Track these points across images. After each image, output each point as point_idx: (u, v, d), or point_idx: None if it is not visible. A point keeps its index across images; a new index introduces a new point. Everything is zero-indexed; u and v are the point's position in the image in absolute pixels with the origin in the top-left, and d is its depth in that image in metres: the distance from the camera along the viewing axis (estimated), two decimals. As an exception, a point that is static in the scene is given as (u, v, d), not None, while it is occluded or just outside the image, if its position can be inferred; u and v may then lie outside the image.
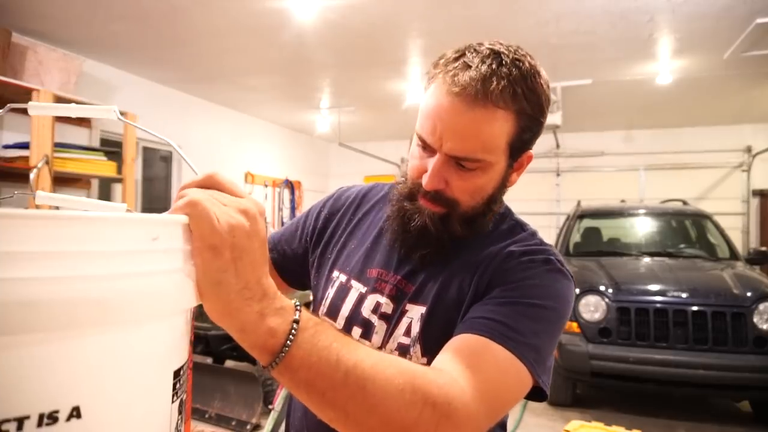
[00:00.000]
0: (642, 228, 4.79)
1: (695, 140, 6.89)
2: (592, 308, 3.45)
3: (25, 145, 3.10)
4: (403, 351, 0.76)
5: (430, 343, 0.73)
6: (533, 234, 0.81)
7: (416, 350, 0.75)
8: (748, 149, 6.74)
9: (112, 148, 3.52)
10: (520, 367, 0.63)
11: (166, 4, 3.19)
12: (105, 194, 4.08)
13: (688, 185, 6.83)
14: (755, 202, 6.87)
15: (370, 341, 0.79)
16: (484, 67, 0.67)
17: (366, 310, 0.80)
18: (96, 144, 4.02)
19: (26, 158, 3.07)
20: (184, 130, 5.29)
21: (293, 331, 0.47)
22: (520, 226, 0.82)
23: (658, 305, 3.33)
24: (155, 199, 5.03)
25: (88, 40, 3.78)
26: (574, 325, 3.46)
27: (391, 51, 4.09)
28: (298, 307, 0.49)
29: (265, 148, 6.94)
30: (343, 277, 0.85)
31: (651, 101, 5.53)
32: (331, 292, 0.85)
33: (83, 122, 3.87)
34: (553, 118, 4.93)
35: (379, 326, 0.79)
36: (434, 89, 0.72)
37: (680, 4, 3.15)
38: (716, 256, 4.23)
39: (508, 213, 0.85)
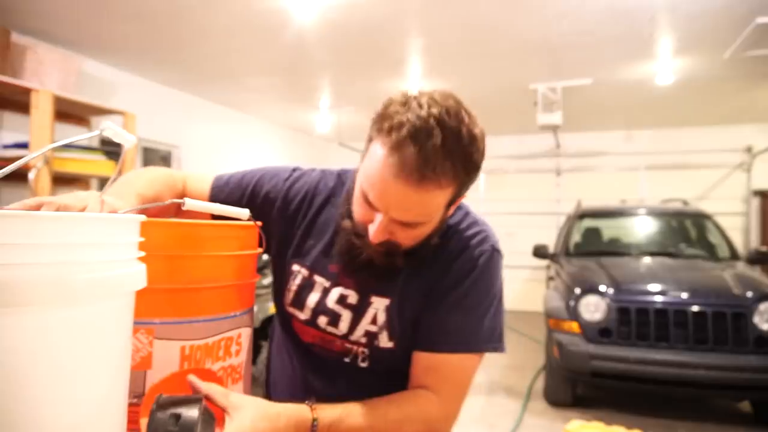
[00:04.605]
0: (642, 228, 4.78)
1: (696, 140, 6.88)
2: (593, 308, 3.45)
3: (24, 145, 3.10)
4: (371, 337, 0.88)
5: (395, 330, 0.87)
6: (472, 225, 0.90)
7: (383, 336, 0.87)
8: (749, 149, 6.73)
9: (111, 148, 3.51)
10: (476, 358, 0.81)
11: (166, 4, 3.19)
12: (105, 194, 4.06)
13: (689, 185, 6.82)
14: (755, 202, 6.86)
15: (337, 328, 0.89)
16: (429, 145, 0.68)
17: (331, 302, 0.89)
18: (96, 144, 4.02)
19: (26, 158, 3.07)
20: (184, 130, 5.28)
21: None
22: (459, 223, 0.90)
23: (659, 305, 3.32)
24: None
25: (88, 40, 3.78)
26: (575, 325, 3.46)
27: (391, 51, 4.08)
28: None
29: (265, 148, 6.94)
30: (305, 272, 0.92)
31: (651, 101, 5.52)
32: (293, 284, 0.93)
33: (82, 122, 3.87)
34: (553, 117, 4.93)
35: (346, 315, 0.89)
36: (380, 157, 0.73)
37: (681, 4, 3.15)
38: (716, 256, 4.23)
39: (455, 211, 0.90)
